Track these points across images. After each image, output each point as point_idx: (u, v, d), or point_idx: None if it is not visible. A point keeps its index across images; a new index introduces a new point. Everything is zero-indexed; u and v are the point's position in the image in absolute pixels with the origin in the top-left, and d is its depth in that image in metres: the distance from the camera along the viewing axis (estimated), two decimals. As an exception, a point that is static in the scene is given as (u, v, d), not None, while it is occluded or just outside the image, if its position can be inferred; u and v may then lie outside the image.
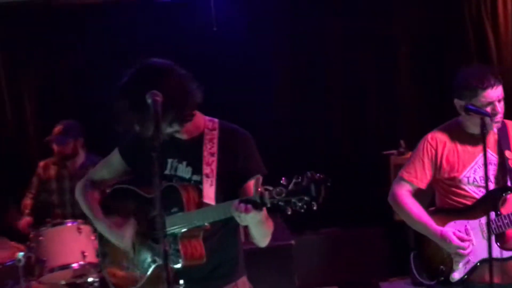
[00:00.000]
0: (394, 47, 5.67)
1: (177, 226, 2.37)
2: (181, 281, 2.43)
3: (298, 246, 4.72)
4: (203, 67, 5.21)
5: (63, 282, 4.35)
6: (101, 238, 2.79)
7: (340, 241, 5.36)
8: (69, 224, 4.26)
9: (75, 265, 4.12)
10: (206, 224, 2.37)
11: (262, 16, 5.51)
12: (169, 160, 2.54)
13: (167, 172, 2.52)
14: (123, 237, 2.56)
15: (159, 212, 2.14)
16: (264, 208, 2.26)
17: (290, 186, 2.07)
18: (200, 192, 2.44)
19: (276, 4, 5.50)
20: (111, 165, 2.74)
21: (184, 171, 2.52)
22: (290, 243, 4.64)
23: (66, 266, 4.17)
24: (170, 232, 2.37)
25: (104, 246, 2.77)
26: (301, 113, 5.63)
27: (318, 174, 2.06)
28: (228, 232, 2.59)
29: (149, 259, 2.51)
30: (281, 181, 2.09)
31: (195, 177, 2.49)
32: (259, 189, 2.14)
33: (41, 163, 4.98)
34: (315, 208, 2.05)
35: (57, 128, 4.81)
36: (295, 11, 5.52)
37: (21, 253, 4.21)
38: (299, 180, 2.06)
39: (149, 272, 2.49)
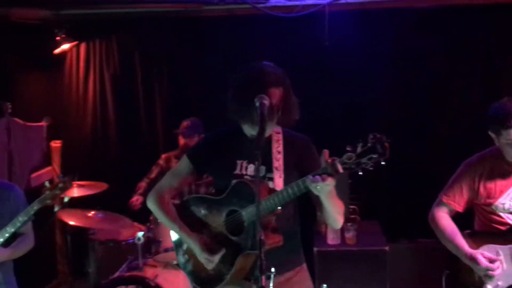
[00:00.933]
0: (498, 63, 5.47)
1: (254, 215, 2.48)
2: (273, 269, 2.44)
3: (393, 253, 4.70)
4: (312, 81, 5.32)
5: (174, 262, 4.49)
6: (178, 246, 2.89)
7: (435, 253, 5.22)
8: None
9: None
10: (278, 208, 2.51)
11: (374, 34, 5.45)
12: (238, 162, 2.67)
13: (237, 172, 2.65)
14: (212, 262, 2.65)
15: (257, 205, 2.23)
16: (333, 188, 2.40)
17: (358, 150, 2.22)
18: (267, 184, 2.60)
19: (389, 24, 5.42)
20: (179, 173, 2.86)
21: (256, 170, 2.60)
22: (384, 249, 4.64)
23: None
24: (250, 222, 2.52)
25: (184, 253, 2.86)
26: (408, 130, 5.52)
27: (378, 135, 2.20)
28: (296, 220, 2.77)
29: (231, 254, 2.59)
30: (347, 149, 2.24)
31: (268, 175, 2.64)
32: (329, 160, 2.29)
33: (164, 155, 5.26)
34: (383, 163, 2.19)
35: (185, 123, 5.06)
36: (407, 31, 5.43)
37: (141, 233, 4.47)
38: (364, 143, 2.21)
39: (234, 266, 2.58)
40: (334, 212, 2.58)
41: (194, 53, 5.82)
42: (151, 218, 4.67)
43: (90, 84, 6.07)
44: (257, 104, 2.44)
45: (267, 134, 2.65)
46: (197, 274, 2.79)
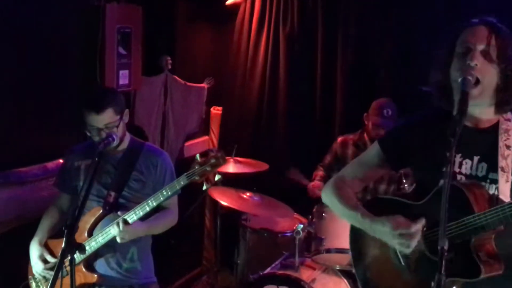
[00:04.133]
0: None
1: (464, 231, 2.30)
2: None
3: None
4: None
5: (337, 267, 4.50)
6: (358, 257, 2.75)
7: None
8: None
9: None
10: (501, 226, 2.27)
11: None
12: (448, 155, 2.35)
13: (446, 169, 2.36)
14: (414, 237, 2.37)
15: (443, 211, 2.07)
16: None
17: None
18: (485, 189, 2.37)
19: None
20: (366, 162, 2.77)
21: (474, 168, 2.45)
22: None
23: (343, 250, 4.30)
24: (460, 240, 2.31)
25: (365, 269, 2.72)
26: None
27: None
28: None
29: (428, 277, 2.31)
30: None
31: (492, 175, 2.42)
32: None
33: (339, 139, 5.21)
34: None
35: (379, 103, 4.90)
36: None
37: (301, 226, 4.50)
38: None
39: None
40: None
41: (389, 15, 5.63)
42: (314, 210, 4.69)
43: (261, 44, 6.20)
44: (459, 79, 2.32)
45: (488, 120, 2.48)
46: None
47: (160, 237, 3.60)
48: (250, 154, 5.64)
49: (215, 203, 5.41)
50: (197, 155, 3.22)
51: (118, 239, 3.26)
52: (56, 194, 3.66)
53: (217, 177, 3.22)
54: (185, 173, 3.21)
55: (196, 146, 6.10)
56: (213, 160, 3.17)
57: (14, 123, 4.04)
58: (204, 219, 6.36)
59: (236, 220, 5.22)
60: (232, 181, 5.21)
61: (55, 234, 3.53)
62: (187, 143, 6.01)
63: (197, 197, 5.58)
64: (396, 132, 2.76)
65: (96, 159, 3.06)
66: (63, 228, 2.76)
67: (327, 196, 2.81)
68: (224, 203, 4.82)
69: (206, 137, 6.34)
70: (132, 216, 3.26)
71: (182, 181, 3.21)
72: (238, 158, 5.29)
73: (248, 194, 4.98)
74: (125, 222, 3.25)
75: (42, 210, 3.67)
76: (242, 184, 5.17)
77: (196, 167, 3.17)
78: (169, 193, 3.24)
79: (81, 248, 2.86)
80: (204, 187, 3.28)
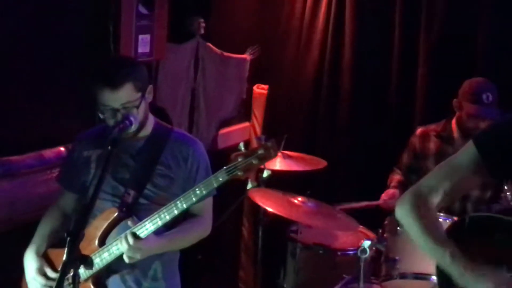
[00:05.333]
0: None
1: None
2: None
3: None
4: None
5: None
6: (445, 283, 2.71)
7: None
8: (448, 221, 4.02)
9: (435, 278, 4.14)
10: None
11: None
12: None
13: None
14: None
15: None
16: None
17: None
18: None
19: None
20: (456, 169, 2.70)
21: None
22: None
23: (423, 276, 4.27)
24: None
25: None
26: None
27: None
28: None
29: None
30: None
31: None
32: None
33: (419, 130, 5.15)
34: None
35: (473, 83, 4.80)
36: None
37: (368, 242, 4.43)
38: None
39: None
40: None
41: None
42: (386, 222, 4.66)
43: (322, 5, 6.20)
44: None
45: None
46: None
47: (185, 251, 3.59)
48: (303, 148, 5.63)
49: (256, 209, 5.41)
50: (241, 145, 3.21)
51: (125, 259, 3.24)
52: (58, 191, 3.64)
53: (265, 173, 3.17)
54: (224, 167, 3.16)
55: (234, 134, 6.15)
56: (261, 151, 3.11)
57: (2, 101, 4.01)
58: (241, 229, 6.42)
59: (283, 232, 5.23)
60: (279, 181, 5.18)
61: (58, 241, 3.48)
62: (222, 131, 6.06)
63: (234, 200, 5.54)
64: (498, 130, 2.71)
65: (109, 147, 3.03)
66: (65, 235, 2.72)
67: (404, 217, 2.75)
68: (268, 208, 4.79)
69: (246, 124, 6.40)
70: (146, 227, 3.23)
71: (221, 177, 3.16)
72: (288, 152, 5.27)
73: (299, 198, 4.94)
74: (135, 236, 3.22)
75: (38, 210, 3.66)
76: (292, 185, 5.19)
77: (239, 160, 3.12)
78: (204, 192, 3.20)
79: (87, 262, 2.81)
80: (249, 186, 3.23)
